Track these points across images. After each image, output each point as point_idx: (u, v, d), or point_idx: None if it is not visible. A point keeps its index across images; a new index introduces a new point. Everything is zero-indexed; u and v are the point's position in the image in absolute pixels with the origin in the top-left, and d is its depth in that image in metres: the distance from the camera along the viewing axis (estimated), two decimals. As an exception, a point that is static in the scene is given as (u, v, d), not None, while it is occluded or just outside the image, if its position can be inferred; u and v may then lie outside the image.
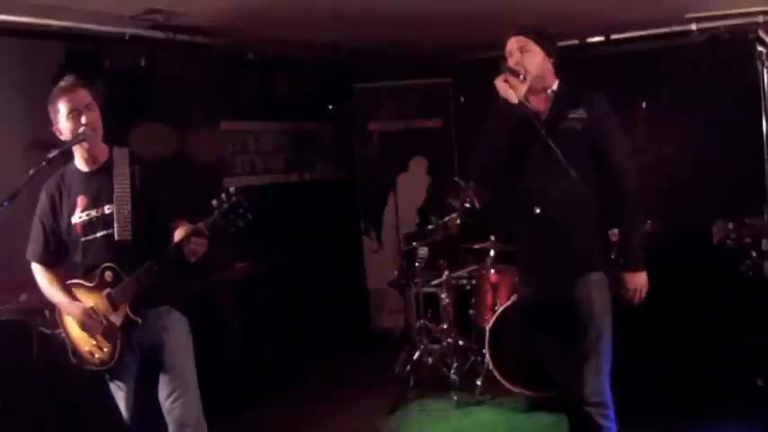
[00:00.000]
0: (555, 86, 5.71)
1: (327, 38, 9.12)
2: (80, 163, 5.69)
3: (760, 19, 8.05)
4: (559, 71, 5.79)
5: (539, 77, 5.62)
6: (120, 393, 5.76)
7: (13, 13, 6.78)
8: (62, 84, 5.63)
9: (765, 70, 6.39)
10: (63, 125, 5.54)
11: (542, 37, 5.68)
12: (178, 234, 5.57)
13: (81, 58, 7.50)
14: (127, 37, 7.60)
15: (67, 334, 5.79)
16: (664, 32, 8.96)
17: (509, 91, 5.46)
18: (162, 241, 5.67)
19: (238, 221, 5.53)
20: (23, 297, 6.59)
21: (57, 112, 5.57)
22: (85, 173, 5.68)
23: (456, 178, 8.81)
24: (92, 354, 5.67)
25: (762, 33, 6.92)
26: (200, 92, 8.51)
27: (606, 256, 5.76)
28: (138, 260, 5.54)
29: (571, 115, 5.61)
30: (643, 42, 9.27)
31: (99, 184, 5.65)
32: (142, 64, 7.72)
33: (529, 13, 6.36)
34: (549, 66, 5.69)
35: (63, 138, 5.58)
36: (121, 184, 5.66)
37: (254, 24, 8.15)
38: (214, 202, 5.51)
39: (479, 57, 9.95)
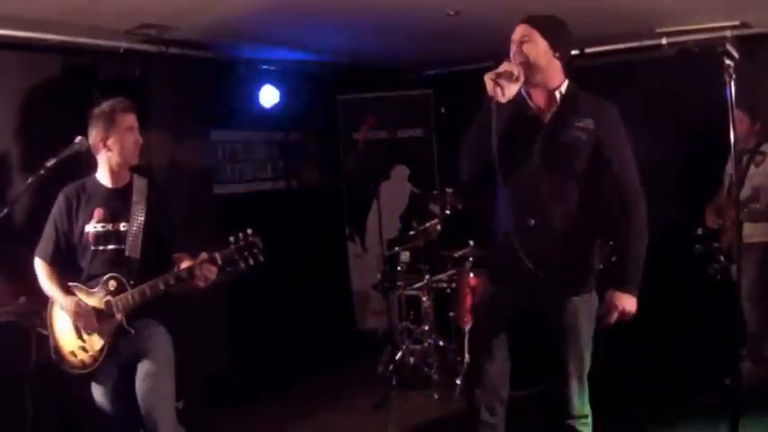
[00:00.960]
0: (564, 88, 5.39)
1: (314, 51, 9.17)
2: (104, 178, 5.86)
3: (728, 33, 8.22)
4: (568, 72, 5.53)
5: (537, 69, 5.30)
6: (101, 393, 5.89)
7: (13, 28, 6.82)
8: (123, 102, 5.84)
9: (732, 82, 6.34)
10: (117, 140, 5.74)
11: (549, 28, 5.40)
12: (188, 261, 5.74)
13: (78, 70, 7.54)
14: (122, 50, 7.63)
15: (53, 332, 5.89)
16: (635, 46, 9.05)
17: (497, 89, 5.10)
18: (164, 265, 5.82)
19: (250, 260, 5.74)
20: (22, 299, 6.60)
21: (113, 126, 5.76)
22: (108, 188, 5.87)
23: (437, 189, 8.87)
24: (74, 355, 5.77)
25: (729, 47, 6.83)
26: (191, 103, 8.53)
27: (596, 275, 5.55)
28: (142, 276, 5.71)
29: (578, 123, 5.28)
30: (616, 55, 9.35)
31: (118, 201, 5.83)
32: (136, 76, 7.73)
33: (502, 27, 6.28)
34: (552, 60, 5.35)
35: (103, 151, 5.78)
36: (138, 208, 5.84)
37: (242, 38, 8.20)
38: (231, 238, 5.71)
39: (458, 69, 9.99)
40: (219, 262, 5.70)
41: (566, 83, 5.41)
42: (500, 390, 5.36)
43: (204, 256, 5.69)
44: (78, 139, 5.77)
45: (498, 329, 5.37)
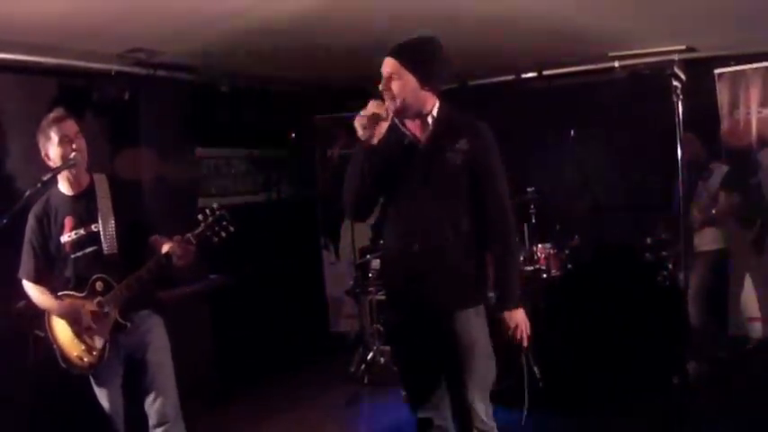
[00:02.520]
0: (435, 111, 5.05)
1: (292, 74, 9.22)
2: (65, 187, 5.76)
3: (675, 57, 8.24)
4: (443, 96, 5.15)
5: (407, 105, 4.98)
6: (103, 392, 5.79)
7: (11, 52, 6.85)
8: (53, 114, 5.69)
9: (680, 102, 6.44)
10: (53, 152, 5.59)
11: (417, 63, 5.01)
12: (167, 245, 5.63)
13: (72, 92, 7.53)
14: (113, 73, 7.65)
15: (56, 341, 5.82)
16: (590, 69, 9.09)
17: (366, 133, 4.89)
18: (143, 253, 5.77)
19: (221, 232, 5.66)
20: (21, 303, 6.49)
21: (48, 139, 5.62)
22: (71, 196, 5.76)
23: None
24: (81, 358, 5.70)
25: (677, 69, 6.94)
26: (177, 121, 8.53)
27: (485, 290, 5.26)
28: (125, 271, 5.65)
29: (453, 145, 4.97)
30: (572, 77, 9.39)
31: (84, 205, 5.73)
32: (126, 97, 7.74)
33: (467, 50, 6.28)
34: (422, 93, 4.99)
35: (52, 164, 5.64)
36: (104, 206, 5.77)
37: (225, 62, 8.23)
38: (200, 217, 5.64)
39: None
40: (194, 241, 5.65)
41: (437, 106, 5.08)
42: (441, 405, 5.16)
43: (178, 238, 5.63)
44: (73, 155, 5.61)
45: (405, 354, 5.26)
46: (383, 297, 8.68)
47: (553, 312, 7.60)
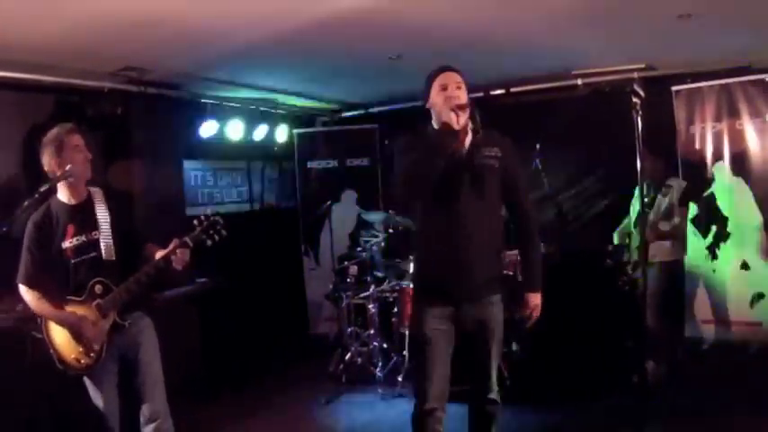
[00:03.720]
0: (472, 125, 5.40)
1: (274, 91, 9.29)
2: (65, 197, 5.82)
3: (635, 75, 8.34)
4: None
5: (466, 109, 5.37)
6: (98, 391, 5.78)
7: (11, 70, 6.86)
8: (67, 126, 5.79)
9: (639, 118, 6.43)
10: (62, 162, 5.65)
11: (464, 78, 5.48)
12: (162, 250, 5.73)
13: (68, 107, 7.55)
14: (106, 90, 7.67)
15: (53, 345, 5.81)
16: (554, 86, 9.12)
17: (453, 117, 5.22)
18: (138, 260, 5.83)
19: (215, 236, 5.79)
20: (20, 307, 6.55)
21: (59, 149, 5.68)
22: (71, 205, 5.82)
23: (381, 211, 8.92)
24: (78, 360, 5.70)
25: (636, 87, 6.91)
26: (166, 135, 8.53)
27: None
28: (122, 275, 5.71)
29: (488, 153, 5.34)
30: (537, 94, 9.39)
31: (83, 214, 5.76)
32: (119, 112, 7.74)
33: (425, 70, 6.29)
34: (469, 105, 5.39)
35: (52, 174, 5.68)
36: (103, 215, 5.82)
37: (210, 80, 8.25)
38: (195, 221, 5.77)
39: (399, 107, 10.11)
40: (191, 243, 5.74)
41: (470, 122, 5.42)
42: (444, 396, 5.44)
43: (176, 242, 5.71)
44: (68, 167, 5.67)
45: (440, 346, 5.41)
46: (360, 301, 8.89)
47: (519, 315, 7.62)
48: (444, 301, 5.44)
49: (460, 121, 5.24)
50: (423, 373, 5.48)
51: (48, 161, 5.71)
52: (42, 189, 5.68)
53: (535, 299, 5.63)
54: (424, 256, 5.75)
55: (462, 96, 5.30)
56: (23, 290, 5.84)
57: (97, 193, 5.96)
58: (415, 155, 5.25)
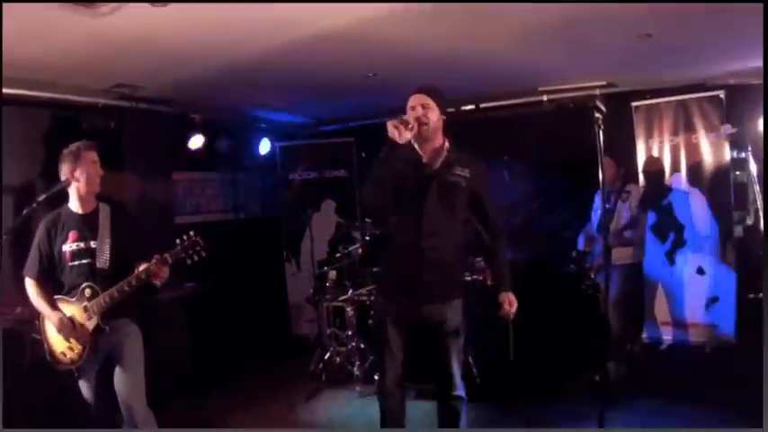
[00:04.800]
0: (446, 145, 5.72)
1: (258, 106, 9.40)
2: (75, 206, 6.05)
3: (597, 91, 8.48)
4: (447, 132, 5.84)
5: (433, 129, 5.62)
6: (85, 384, 5.99)
7: (12, 87, 6.94)
8: (87, 143, 6.08)
9: (600, 132, 6.39)
10: (82, 173, 5.96)
11: (439, 97, 5.68)
12: (142, 266, 5.88)
13: (64, 122, 7.66)
14: (100, 105, 7.76)
15: (46, 338, 6.04)
16: (521, 102, 9.20)
17: (394, 132, 5.36)
18: (129, 272, 5.94)
19: (194, 255, 5.90)
20: (18, 310, 6.72)
21: (79, 159, 5.96)
22: (79, 214, 6.01)
23: (358, 219, 8.98)
24: (64, 354, 5.94)
25: (598, 103, 6.84)
26: (156, 148, 8.61)
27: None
28: (112, 284, 5.87)
29: (458, 172, 5.57)
30: (505, 110, 9.47)
31: (87, 224, 5.97)
32: (112, 126, 7.84)
33: (403, 88, 6.34)
34: (441, 122, 5.71)
35: (69, 180, 5.96)
36: (104, 228, 6.01)
37: (197, 96, 8.35)
38: (178, 240, 5.90)
39: (375, 121, 10.00)
40: (170, 260, 5.85)
41: (446, 142, 5.78)
42: (401, 382, 5.84)
43: (157, 258, 5.82)
44: (65, 177, 5.93)
45: (397, 338, 5.76)
46: (339, 303, 8.98)
47: (489, 317, 7.68)
48: (405, 302, 5.69)
49: (402, 136, 5.41)
50: (382, 363, 5.88)
51: (65, 170, 5.94)
52: (40, 198, 5.95)
53: (508, 297, 5.83)
54: (389, 260, 5.99)
55: (429, 116, 5.57)
56: (28, 282, 6.04)
57: (105, 207, 6.13)
58: (372, 175, 5.56)
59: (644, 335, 8.72)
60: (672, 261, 8.65)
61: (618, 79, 8.47)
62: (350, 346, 8.73)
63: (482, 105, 9.55)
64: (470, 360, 7.85)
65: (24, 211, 5.96)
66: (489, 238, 5.96)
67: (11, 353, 6.68)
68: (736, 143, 8.28)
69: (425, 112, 5.59)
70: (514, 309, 5.79)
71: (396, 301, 5.81)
